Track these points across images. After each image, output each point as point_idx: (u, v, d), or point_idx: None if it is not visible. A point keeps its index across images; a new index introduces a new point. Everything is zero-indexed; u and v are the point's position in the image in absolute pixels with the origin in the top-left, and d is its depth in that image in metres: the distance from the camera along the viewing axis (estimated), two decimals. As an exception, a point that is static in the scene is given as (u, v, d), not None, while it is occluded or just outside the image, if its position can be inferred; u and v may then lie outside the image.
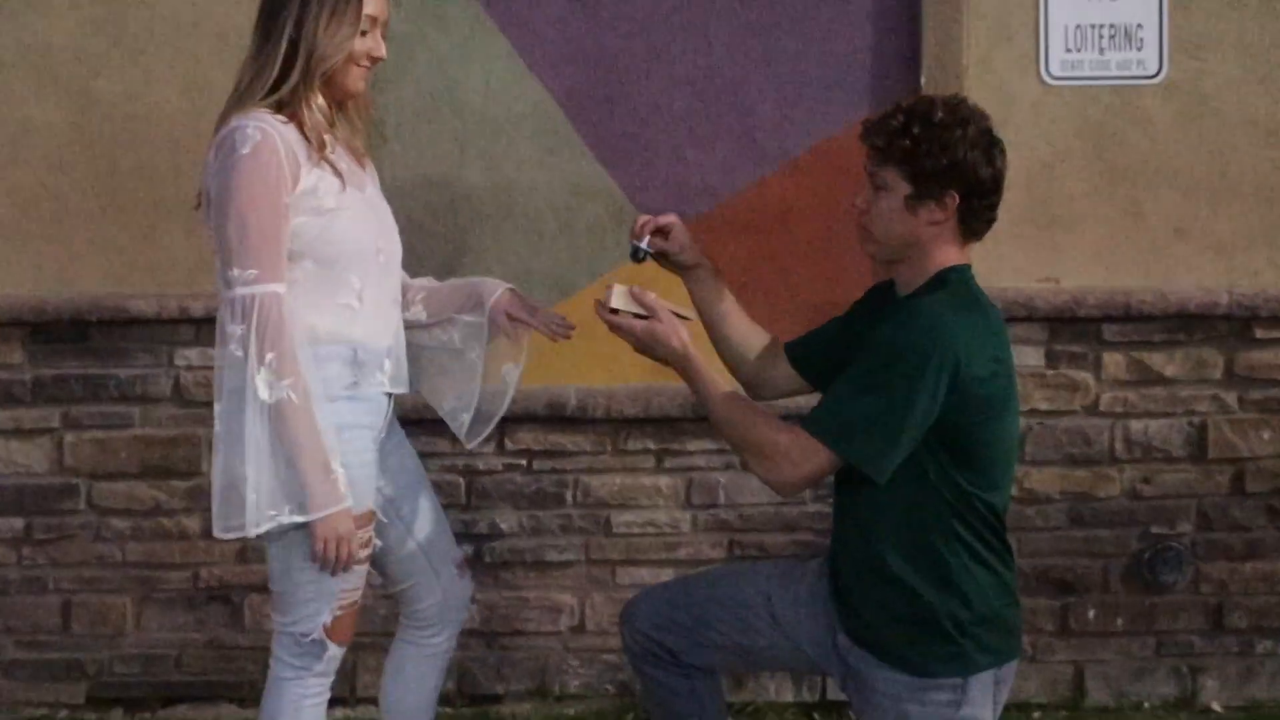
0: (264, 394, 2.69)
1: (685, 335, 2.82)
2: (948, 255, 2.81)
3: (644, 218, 3.03)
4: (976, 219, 2.81)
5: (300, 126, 2.80)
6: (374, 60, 2.91)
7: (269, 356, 2.70)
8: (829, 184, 4.30)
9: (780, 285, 4.37)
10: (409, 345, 3.07)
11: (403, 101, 4.35)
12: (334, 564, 2.77)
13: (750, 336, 3.12)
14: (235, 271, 2.73)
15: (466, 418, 3.05)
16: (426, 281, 3.17)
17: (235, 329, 2.73)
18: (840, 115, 4.29)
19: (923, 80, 4.23)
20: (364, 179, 2.96)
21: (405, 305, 3.08)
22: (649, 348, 2.83)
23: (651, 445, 4.34)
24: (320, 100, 2.84)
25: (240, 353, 2.71)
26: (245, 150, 2.73)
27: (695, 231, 4.07)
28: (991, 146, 2.78)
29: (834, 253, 4.34)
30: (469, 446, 3.10)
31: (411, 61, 4.32)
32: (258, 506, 2.71)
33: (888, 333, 2.71)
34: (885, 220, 2.80)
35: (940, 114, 2.75)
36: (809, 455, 2.69)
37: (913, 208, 2.76)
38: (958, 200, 2.76)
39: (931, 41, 4.20)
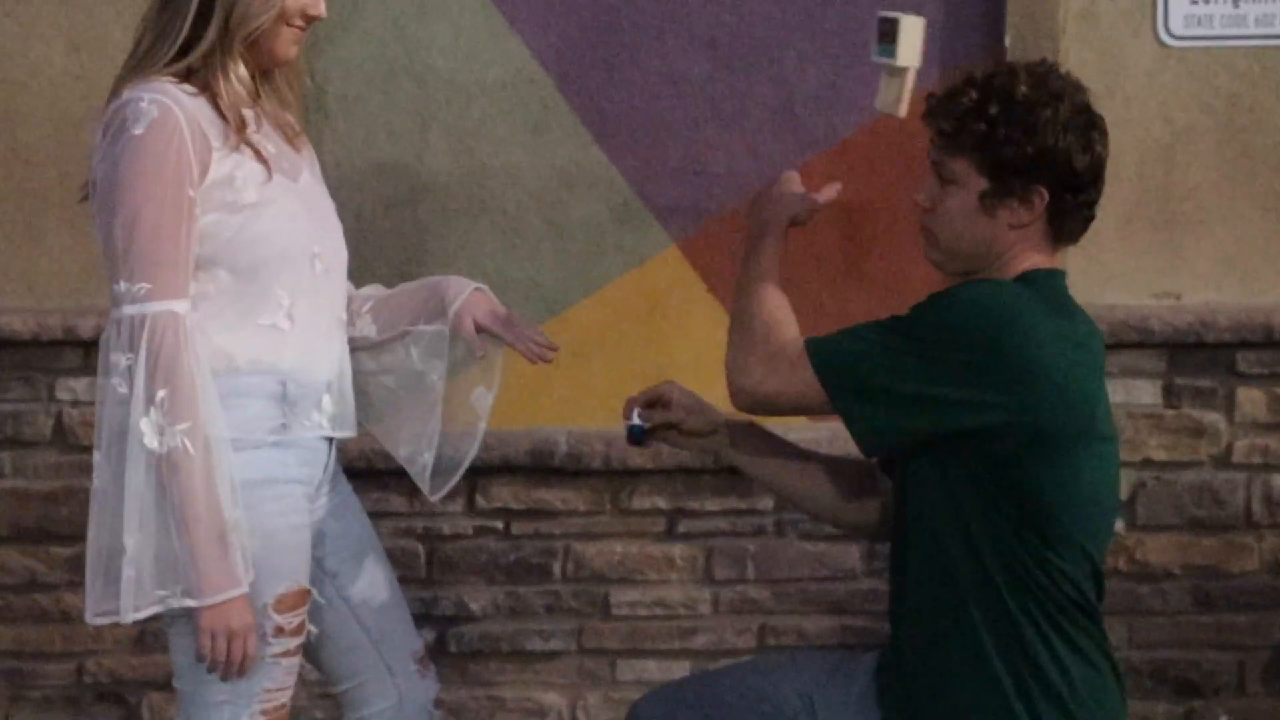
0: (151, 441, 2.72)
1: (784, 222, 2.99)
2: (1035, 263, 2.85)
3: (630, 397, 3.09)
4: (1071, 218, 2.84)
5: (214, 100, 2.84)
6: (310, 19, 2.93)
7: (160, 394, 2.73)
8: (887, 171, 4.30)
9: (828, 298, 4.40)
10: (356, 373, 3.09)
11: (348, 66, 4.38)
12: (225, 666, 2.79)
13: (826, 477, 3.16)
14: (123, 285, 2.76)
15: (428, 460, 3.09)
16: (374, 290, 3.19)
17: (120, 358, 2.76)
18: None
19: (1007, 41, 4.25)
20: (298, 164, 3.00)
21: (349, 321, 3.10)
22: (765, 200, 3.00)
23: (662, 504, 4.38)
24: (241, 69, 2.87)
25: (125, 388, 2.75)
26: (139, 129, 2.76)
27: (720, 232, 4.40)
28: (1090, 128, 2.80)
29: (895, 256, 4.35)
30: (433, 499, 3.13)
31: (358, 14, 4.33)
32: (139, 585, 2.75)
33: (945, 292, 2.78)
34: (955, 222, 2.84)
35: (1024, 88, 2.78)
36: (791, 373, 2.77)
37: (990, 207, 2.80)
38: (1047, 197, 2.79)
39: (1019, -10, 4.25)
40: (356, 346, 3.11)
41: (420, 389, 3.11)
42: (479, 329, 3.07)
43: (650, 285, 4.37)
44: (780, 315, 2.85)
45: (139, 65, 2.84)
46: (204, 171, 2.81)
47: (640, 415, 3.07)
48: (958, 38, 4.33)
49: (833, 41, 4.37)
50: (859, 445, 2.78)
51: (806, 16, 4.36)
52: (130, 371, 2.73)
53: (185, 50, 2.84)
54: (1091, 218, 2.86)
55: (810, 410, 2.82)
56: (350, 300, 3.13)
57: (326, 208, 3.05)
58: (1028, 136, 2.76)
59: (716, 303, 4.34)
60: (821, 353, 2.77)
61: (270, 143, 2.93)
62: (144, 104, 2.77)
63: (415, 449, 3.10)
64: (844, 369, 2.76)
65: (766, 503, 4.34)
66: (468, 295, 3.08)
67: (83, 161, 4.07)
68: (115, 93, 2.84)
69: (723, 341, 2.92)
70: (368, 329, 3.12)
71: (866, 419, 2.76)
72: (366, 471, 4.07)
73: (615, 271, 4.39)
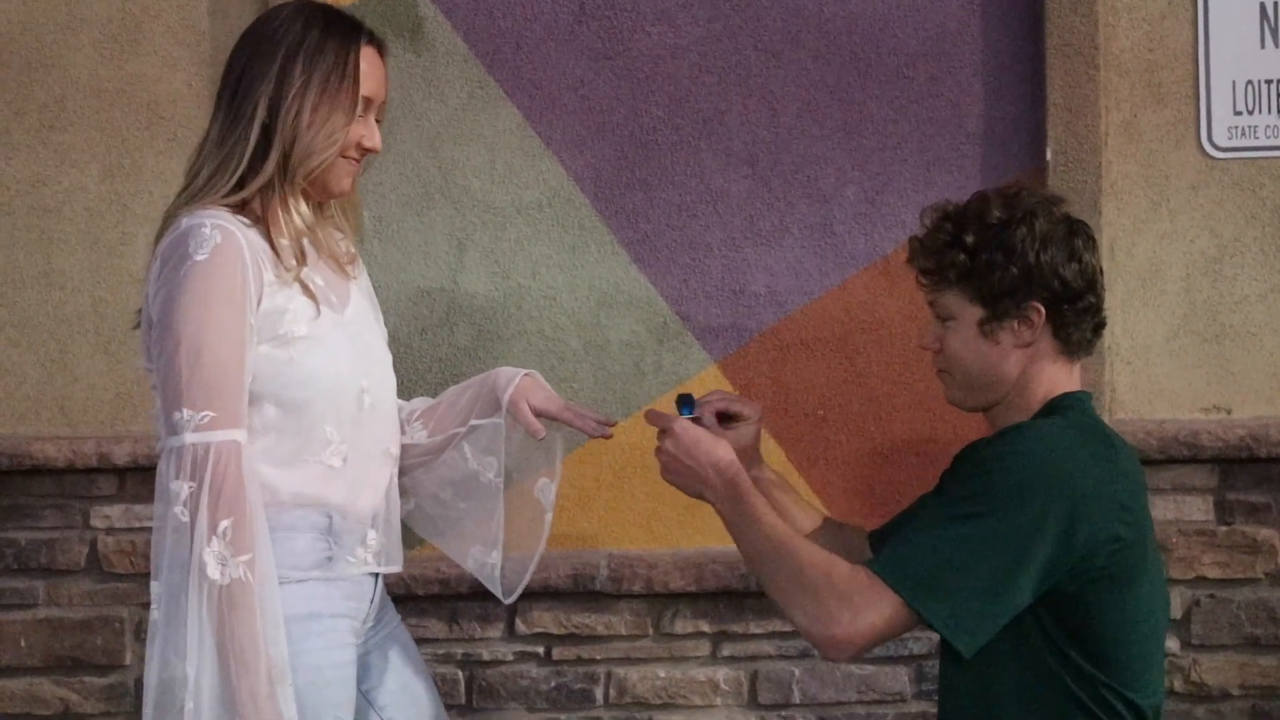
0: (214, 572, 2.73)
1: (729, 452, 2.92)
2: (1055, 380, 2.89)
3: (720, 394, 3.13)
4: (1075, 328, 2.89)
5: (267, 232, 2.87)
6: (365, 151, 2.97)
7: (224, 525, 2.73)
8: (929, 287, 4.31)
9: (869, 417, 4.41)
10: (412, 493, 3.13)
11: (384, 189, 4.42)
12: None
13: (827, 531, 3.25)
14: (184, 413, 2.76)
15: (496, 560, 3.11)
16: (421, 401, 3.21)
17: (181, 487, 2.76)
18: (947, 188, 4.33)
19: (1049, 155, 4.30)
20: (345, 293, 3.01)
21: (399, 429, 3.10)
22: (684, 464, 2.92)
23: (705, 627, 4.37)
24: (302, 204, 2.91)
25: (186, 517, 2.75)
26: (203, 255, 2.79)
27: (761, 351, 4.38)
28: (1071, 236, 2.86)
29: (936, 376, 4.30)
30: (506, 602, 3.14)
31: (396, 138, 4.38)
32: (197, 718, 2.73)
33: (986, 456, 2.78)
34: (964, 356, 2.89)
35: (996, 212, 2.84)
36: (873, 603, 2.72)
37: (991, 332, 2.87)
38: (1044, 311, 2.85)
39: (1059, 104, 4.30)
40: (409, 458, 3.12)
41: (478, 491, 3.12)
42: (536, 414, 3.07)
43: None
44: (821, 554, 2.79)
45: (196, 196, 2.87)
46: (259, 302, 2.83)
47: (702, 411, 3.08)
48: (998, 152, 4.36)
49: (872, 159, 4.39)
50: (961, 647, 2.73)
51: (845, 134, 4.38)
52: (193, 500, 2.73)
53: (243, 183, 2.87)
54: (1101, 324, 2.91)
55: (903, 632, 2.77)
56: (398, 411, 3.12)
57: (374, 338, 3.05)
58: (1008, 257, 2.82)
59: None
60: (894, 570, 2.72)
61: (319, 275, 2.94)
62: (207, 230, 2.79)
63: (481, 553, 3.12)
64: (923, 580, 2.72)
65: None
66: (519, 381, 3.09)
67: (116, 286, 4.36)
68: (171, 220, 2.87)
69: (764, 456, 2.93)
70: (418, 435, 3.13)
71: (963, 620, 2.72)
72: (405, 597, 4.16)
73: (655, 391, 4.39)
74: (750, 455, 3.13)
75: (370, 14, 4.27)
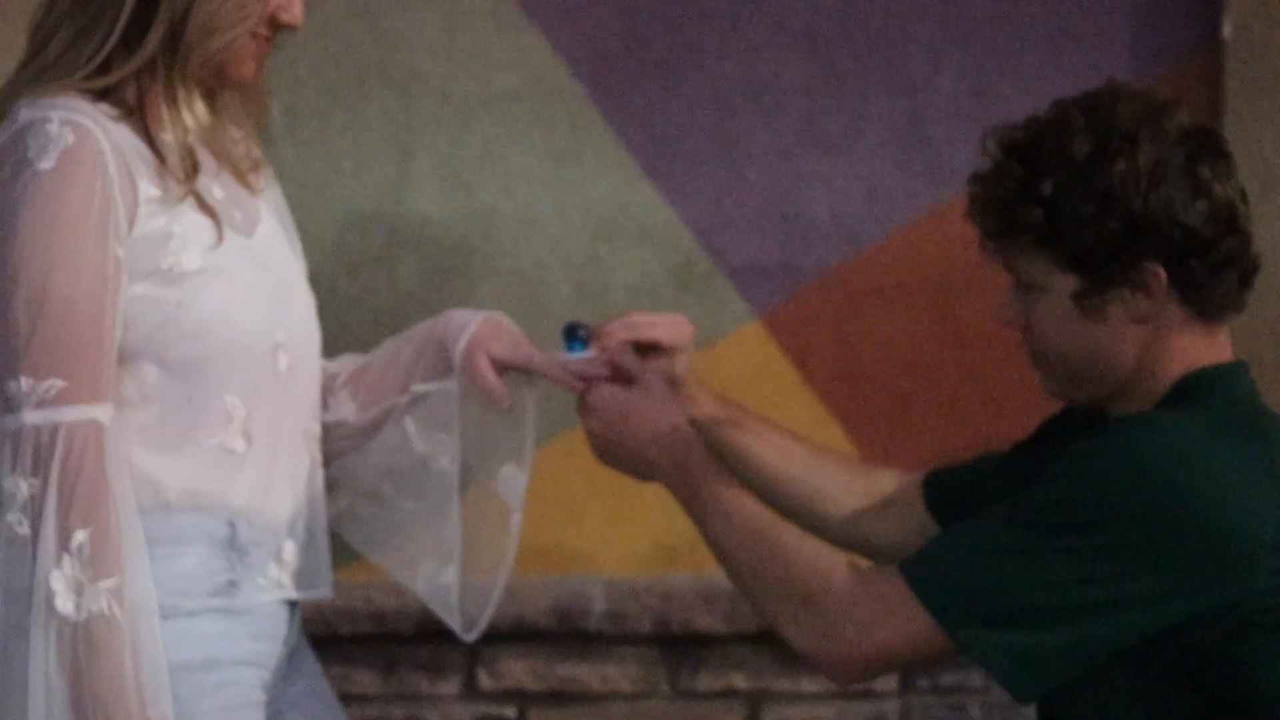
0: (65, 604, 2.58)
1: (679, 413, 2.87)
2: (1191, 353, 2.72)
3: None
4: (1213, 285, 2.69)
5: (143, 128, 2.72)
6: (280, 27, 2.79)
7: (79, 537, 2.59)
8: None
9: (971, 395, 4.34)
10: (343, 478, 3.01)
11: (301, 71, 4.28)
12: None
13: (840, 471, 3.11)
14: (23, 382, 2.59)
15: (451, 581, 2.98)
16: (350, 360, 3.08)
17: (20, 485, 2.60)
18: (1084, 75, 4.01)
19: (1226, 30, 4.18)
20: (254, 211, 2.89)
21: (321, 404, 3.01)
22: (617, 444, 2.86)
23: (740, 682, 4.27)
24: (196, 99, 2.76)
25: (27, 528, 2.60)
26: (47, 162, 2.63)
27: (819, 301, 4.35)
28: (1192, 162, 2.65)
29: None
30: (467, 639, 3.00)
31: (318, 1, 4.09)
32: None
33: (1080, 454, 2.65)
34: (1058, 338, 2.72)
35: (1082, 142, 2.65)
36: (891, 617, 2.64)
37: (1093, 308, 2.68)
38: (1163, 273, 2.64)
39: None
40: (334, 440, 3.00)
41: (426, 483, 2.99)
42: (500, 369, 2.92)
43: (724, 374, 4.13)
44: (814, 550, 2.73)
45: (41, 75, 2.71)
46: (131, 224, 2.65)
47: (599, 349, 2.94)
48: (1154, 24, 4.26)
49: (977, 34, 4.29)
50: (1014, 692, 2.64)
51: None
52: (35, 504, 2.58)
53: (110, 63, 2.69)
54: (1249, 272, 2.73)
55: (933, 659, 2.76)
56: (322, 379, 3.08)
57: (292, 274, 2.93)
58: (1106, 207, 2.63)
59: (816, 399, 4.28)
60: (928, 581, 2.62)
61: (219, 185, 2.80)
62: (54, 127, 2.62)
63: (433, 571, 2.99)
64: (968, 600, 2.61)
65: (888, 680, 4.17)
66: (475, 328, 2.94)
67: None
68: (6, 111, 2.71)
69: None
70: (344, 409, 2.99)
71: (1017, 656, 2.60)
72: (326, 638, 3.95)
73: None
74: (689, 394, 2.97)
75: None
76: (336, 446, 3.02)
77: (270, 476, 2.83)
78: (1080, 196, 2.63)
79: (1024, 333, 2.78)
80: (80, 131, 2.64)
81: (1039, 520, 2.60)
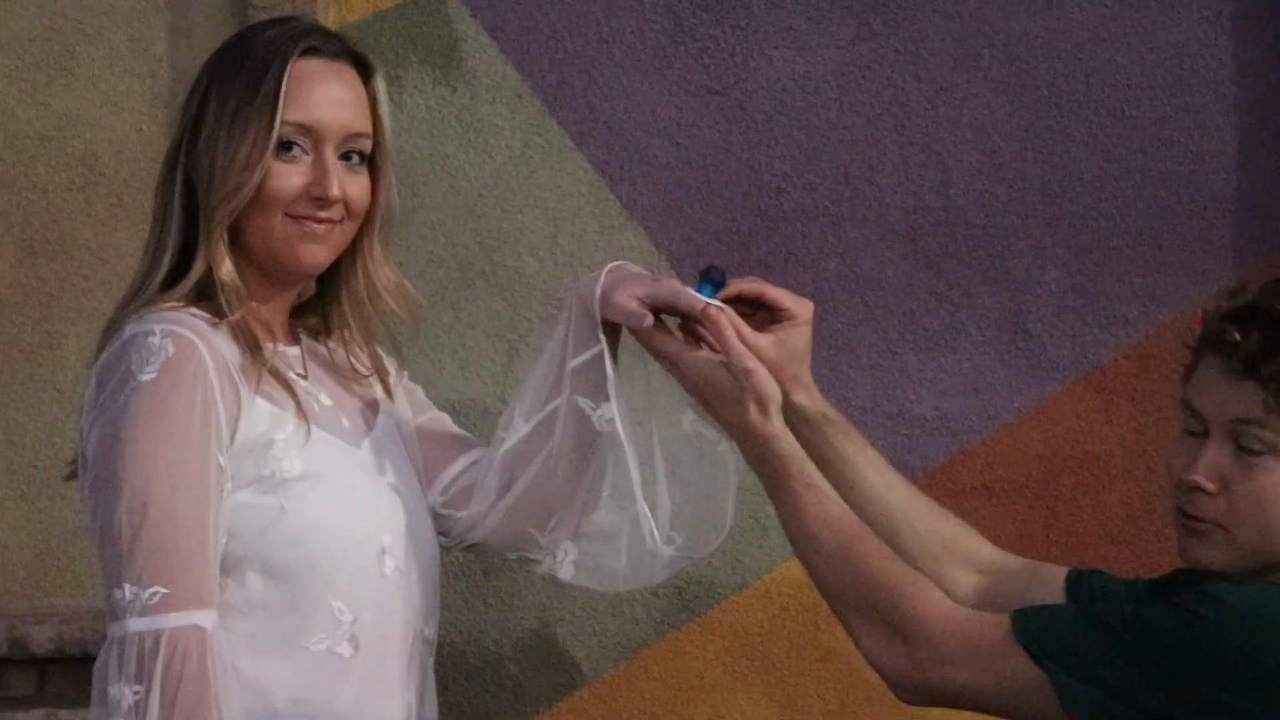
0: None
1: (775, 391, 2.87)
2: None
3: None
4: None
5: (248, 331, 2.80)
6: (322, 203, 2.83)
7: None
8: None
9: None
10: (559, 524, 3.00)
11: (408, 272, 3.97)
12: None
13: (922, 514, 3.10)
14: (127, 590, 2.63)
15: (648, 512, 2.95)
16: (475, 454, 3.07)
17: (124, 693, 2.61)
18: (1187, 270, 4.15)
19: None
20: (366, 419, 2.95)
21: (465, 498, 3.01)
22: (715, 396, 2.85)
23: None
24: (228, 265, 2.81)
25: None
26: (149, 374, 2.68)
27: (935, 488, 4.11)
28: None
29: (1180, 528, 4.12)
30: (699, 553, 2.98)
31: (423, 202, 4.23)
32: None
33: (1186, 588, 2.67)
34: (1272, 510, 2.68)
35: None
36: (980, 655, 2.68)
37: None
38: None
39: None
40: (520, 469, 2.97)
41: (620, 459, 2.95)
42: (645, 305, 2.89)
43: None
44: (902, 572, 2.76)
45: (135, 295, 2.80)
46: (233, 432, 2.71)
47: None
48: (1257, 221, 4.19)
49: (1080, 231, 4.19)
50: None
51: (1043, 197, 4.20)
52: (139, 712, 2.61)
53: (180, 268, 2.80)
54: None
55: (1005, 708, 2.72)
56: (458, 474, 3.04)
57: (404, 480, 2.95)
58: None
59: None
60: (1031, 624, 2.65)
61: (326, 393, 2.89)
62: (155, 339, 2.68)
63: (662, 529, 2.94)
64: (1063, 648, 2.63)
65: None
66: (606, 278, 2.92)
67: (37, 409, 4.28)
68: (112, 331, 2.77)
69: None
70: (517, 428, 2.98)
71: (1099, 709, 2.62)
72: None
73: (780, 554, 4.16)
74: (796, 375, 3.00)
75: (385, 31, 4.22)
76: (535, 492, 2.98)
77: (378, 681, 2.84)
78: None
79: (1217, 495, 2.71)
80: (181, 342, 2.69)
81: (1152, 641, 2.59)
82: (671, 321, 2.93)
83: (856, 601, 2.77)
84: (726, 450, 2.98)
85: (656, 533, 2.98)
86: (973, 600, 3.04)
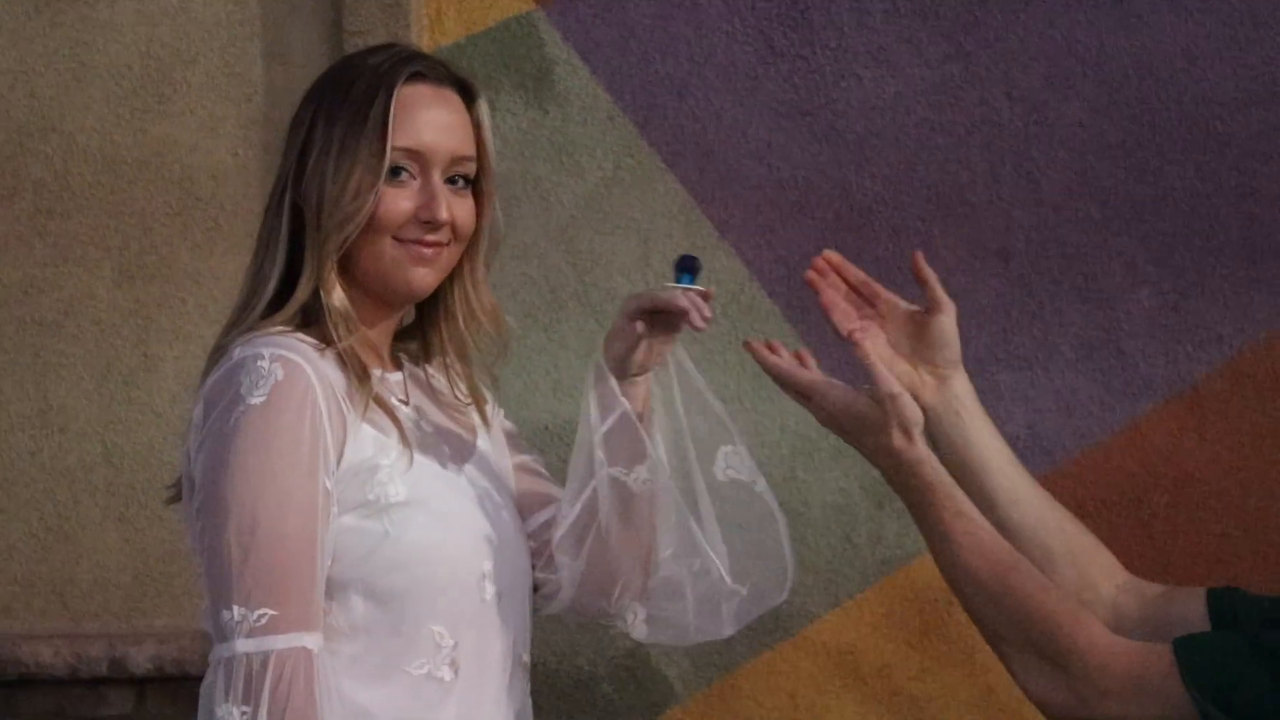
0: None
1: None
2: None
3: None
4: None
5: (356, 357, 2.83)
6: (431, 226, 2.86)
7: None
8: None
9: None
10: (626, 584, 2.97)
11: (500, 294, 4.02)
12: None
13: (1063, 529, 3.10)
14: (236, 612, 2.66)
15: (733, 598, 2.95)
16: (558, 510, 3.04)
17: (231, 712, 2.64)
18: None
19: None
20: (469, 446, 2.97)
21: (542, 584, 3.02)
22: (856, 424, 2.86)
23: None
24: (339, 291, 2.83)
25: None
26: (258, 398, 2.70)
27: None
28: None
29: None
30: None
31: (516, 224, 4.18)
32: None
33: None
34: None
35: None
36: (1144, 684, 2.65)
37: None
38: None
39: None
40: (583, 554, 2.95)
41: (670, 512, 2.94)
42: (650, 310, 2.88)
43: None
44: (1059, 602, 2.74)
45: (239, 318, 2.84)
46: (340, 455, 2.75)
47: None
48: None
49: (1175, 249, 4.19)
50: None
51: (1135, 215, 4.18)
52: None
53: (286, 288, 2.82)
54: None
55: None
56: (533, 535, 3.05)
57: (504, 507, 2.97)
58: None
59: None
60: (1202, 675, 2.62)
61: (430, 417, 2.91)
62: (264, 363, 2.71)
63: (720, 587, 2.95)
64: (1230, 684, 2.61)
65: None
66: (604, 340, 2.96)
67: (135, 431, 4.28)
68: (219, 354, 2.81)
69: None
70: (565, 511, 2.94)
71: None
72: None
73: (873, 574, 4.21)
74: (953, 360, 3.09)
75: (477, 55, 4.24)
76: (588, 554, 2.96)
77: (477, 705, 2.86)
78: None
79: None
80: (289, 366, 2.73)
81: None
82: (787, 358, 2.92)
83: (1012, 634, 2.77)
84: (764, 490, 2.98)
85: (727, 576, 2.97)
86: (1114, 618, 3.01)
